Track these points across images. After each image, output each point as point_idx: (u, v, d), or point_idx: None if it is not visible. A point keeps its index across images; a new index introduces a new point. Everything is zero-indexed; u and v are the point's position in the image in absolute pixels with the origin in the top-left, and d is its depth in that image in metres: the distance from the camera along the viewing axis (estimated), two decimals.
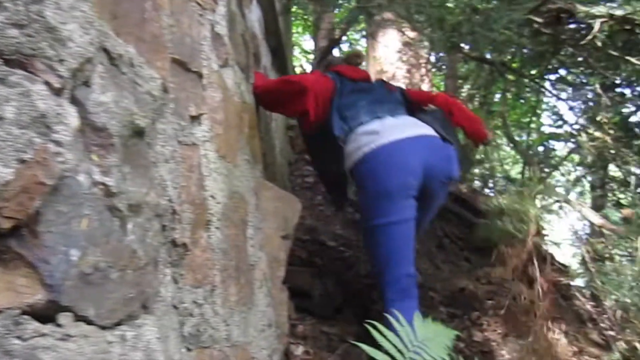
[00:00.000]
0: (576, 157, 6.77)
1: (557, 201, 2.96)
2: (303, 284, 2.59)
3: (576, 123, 4.60)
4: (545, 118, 9.01)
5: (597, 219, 2.40)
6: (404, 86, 2.81)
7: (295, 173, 4.00)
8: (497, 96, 7.14)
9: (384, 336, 1.45)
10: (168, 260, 0.98)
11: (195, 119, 1.26)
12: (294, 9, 5.42)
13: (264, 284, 1.86)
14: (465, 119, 2.56)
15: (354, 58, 2.78)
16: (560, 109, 7.06)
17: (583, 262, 6.41)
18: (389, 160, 2.16)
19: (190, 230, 1.10)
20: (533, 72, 4.63)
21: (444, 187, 2.35)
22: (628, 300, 2.52)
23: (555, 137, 6.03)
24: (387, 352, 1.42)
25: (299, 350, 2.25)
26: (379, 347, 1.45)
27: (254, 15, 3.00)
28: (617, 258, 2.66)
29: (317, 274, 2.74)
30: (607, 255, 2.91)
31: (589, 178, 6.61)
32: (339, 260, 2.98)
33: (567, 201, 2.57)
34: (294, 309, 2.54)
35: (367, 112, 2.35)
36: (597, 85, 3.79)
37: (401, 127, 2.25)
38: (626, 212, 2.40)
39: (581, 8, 3.24)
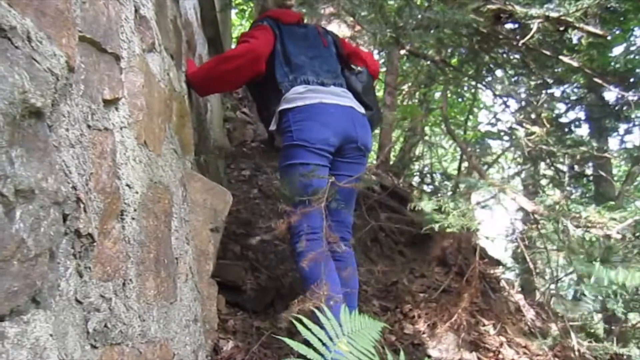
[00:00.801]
0: (510, 156, 7.01)
1: (493, 194, 3.02)
2: (235, 278, 2.54)
3: (511, 121, 4.74)
4: (483, 117, 9.30)
5: (530, 205, 2.48)
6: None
7: (232, 166, 3.93)
8: (437, 94, 7.30)
9: (310, 330, 1.43)
10: (71, 251, 0.91)
11: (110, 102, 1.18)
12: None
13: (190, 278, 1.80)
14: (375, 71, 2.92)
15: (286, 3, 2.85)
16: (496, 108, 7.28)
17: (515, 255, 6.66)
18: (319, 117, 2.38)
19: (99, 220, 1.03)
20: (471, 70, 4.73)
21: (359, 154, 2.52)
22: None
23: (491, 134, 6.21)
24: (312, 346, 1.40)
25: (228, 345, 2.20)
26: (306, 341, 1.43)
27: (189, 2, 2.91)
28: (548, 246, 2.75)
29: (249, 268, 2.69)
30: (539, 245, 3.01)
31: (522, 175, 6.87)
32: (272, 254, 2.94)
33: (503, 190, 2.63)
34: (224, 304, 2.49)
35: (312, 71, 2.53)
36: (531, 84, 3.91)
37: (337, 96, 2.47)
38: (556, 197, 2.50)
39: (520, 9, 3.33)
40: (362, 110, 2.56)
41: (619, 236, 2.15)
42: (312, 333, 1.44)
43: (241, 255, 2.84)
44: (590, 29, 3.11)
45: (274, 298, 2.62)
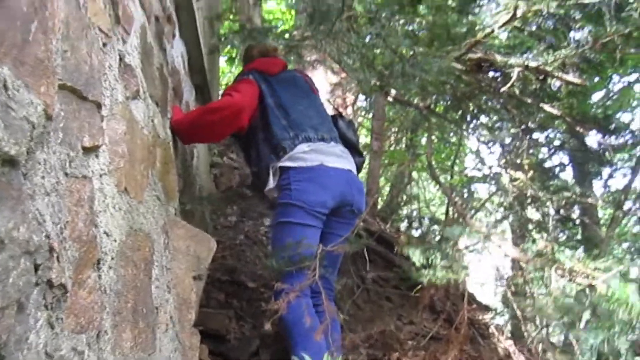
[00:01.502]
0: (497, 200, 7.05)
1: (478, 241, 3.02)
2: (219, 327, 2.48)
3: (496, 166, 4.79)
4: (469, 161, 9.41)
5: (515, 252, 2.48)
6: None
7: (218, 212, 3.91)
8: (424, 139, 7.39)
9: None
10: (42, 302, 0.88)
11: (89, 150, 1.18)
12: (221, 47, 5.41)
13: (171, 328, 1.76)
14: None
15: (271, 51, 2.90)
16: (482, 152, 7.37)
17: (505, 300, 6.60)
18: (319, 179, 2.40)
19: (73, 269, 1.01)
20: (456, 116, 4.81)
21: (352, 216, 2.56)
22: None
23: (477, 179, 6.25)
24: None
25: None
26: None
27: (177, 50, 2.96)
28: (535, 291, 2.73)
29: (234, 316, 2.64)
30: (526, 291, 2.99)
31: (510, 219, 6.89)
32: (258, 301, 2.89)
33: (488, 238, 2.63)
34: (208, 354, 2.42)
35: (311, 127, 2.54)
36: (514, 130, 3.98)
37: (338, 157, 2.52)
38: (541, 245, 2.50)
39: (500, 58, 3.42)
40: (355, 171, 2.62)
41: (604, 286, 2.14)
42: None
43: (225, 303, 2.78)
44: (569, 78, 3.20)
45: (259, 347, 2.56)
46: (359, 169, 2.72)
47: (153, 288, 1.61)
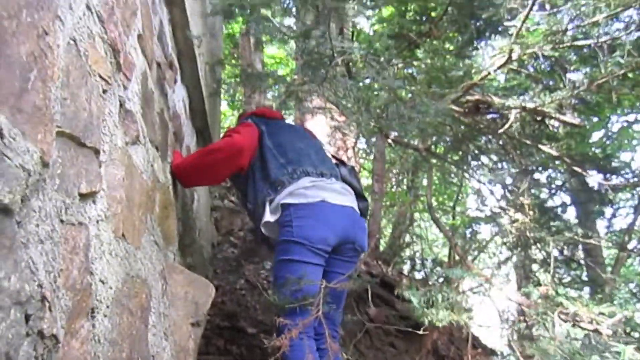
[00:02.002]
0: (499, 240, 7.00)
1: (480, 284, 2.98)
2: None
3: (497, 207, 4.77)
4: (471, 202, 9.39)
5: (517, 297, 2.44)
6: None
7: (219, 255, 3.87)
8: (424, 181, 7.40)
9: None
10: (32, 354, 0.86)
11: (86, 196, 1.17)
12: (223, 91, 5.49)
13: None
14: None
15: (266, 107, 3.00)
16: (483, 193, 7.36)
17: (510, 344, 6.45)
18: (321, 216, 2.38)
19: (66, 319, 0.99)
20: (455, 157, 4.83)
21: (354, 254, 2.54)
22: None
23: (479, 220, 6.23)
24: None
25: None
26: None
27: (178, 95, 2.99)
28: (539, 334, 2.67)
29: None
30: (530, 335, 2.93)
31: (513, 260, 6.82)
32: (258, 348, 2.82)
33: (490, 282, 2.59)
34: None
35: (310, 163, 2.54)
36: (514, 170, 3.99)
37: (339, 194, 2.48)
38: (543, 289, 2.46)
39: (497, 100, 3.46)
40: (357, 209, 2.58)
41: (610, 332, 2.09)
42: None
43: (225, 350, 2.72)
44: (567, 119, 3.22)
45: None
46: (363, 214, 2.68)
47: (150, 336, 1.57)
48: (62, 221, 1.03)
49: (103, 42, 1.42)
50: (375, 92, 4.10)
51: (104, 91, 1.39)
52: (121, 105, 1.58)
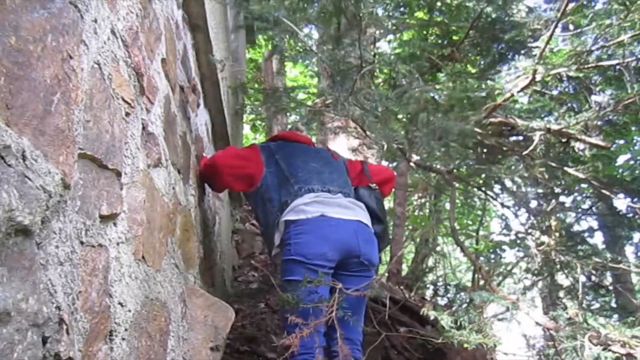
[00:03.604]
0: (524, 266, 6.86)
1: (507, 307, 2.91)
2: None
3: (523, 230, 4.69)
4: (495, 226, 9.25)
5: (544, 320, 2.36)
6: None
7: (240, 279, 3.86)
8: (447, 204, 7.32)
9: None
10: None
11: (107, 218, 1.18)
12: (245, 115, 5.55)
13: None
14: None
15: (297, 129, 3.00)
16: (507, 217, 7.25)
17: None
18: (318, 231, 2.34)
19: (84, 342, 0.98)
20: (479, 180, 4.78)
21: (363, 269, 2.43)
22: None
23: (503, 244, 6.12)
24: None
25: None
26: None
27: (201, 119, 3.03)
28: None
29: None
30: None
31: (539, 285, 6.66)
32: None
33: (516, 306, 2.52)
34: None
35: (319, 180, 2.53)
36: (539, 191, 3.92)
37: (343, 207, 2.44)
38: (572, 312, 2.38)
39: (521, 122, 3.43)
40: (368, 223, 2.51)
41: None
42: None
43: None
44: (593, 140, 3.17)
45: None
46: (381, 237, 2.62)
47: (168, 359, 1.56)
48: (82, 243, 1.03)
49: (127, 65, 1.44)
50: (404, 102, 4.07)
51: (127, 114, 1.40)
52: (144, 128, 1.60)
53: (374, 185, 2.82)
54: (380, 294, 2.63)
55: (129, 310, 1.23)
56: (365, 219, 2.51)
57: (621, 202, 5.02)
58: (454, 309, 3.35)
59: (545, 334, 3.32)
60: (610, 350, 2.06)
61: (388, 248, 5.71)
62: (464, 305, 4.67)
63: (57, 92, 0.97)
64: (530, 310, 2.45)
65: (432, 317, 2.35)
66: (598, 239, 6.56)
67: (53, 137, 0.94)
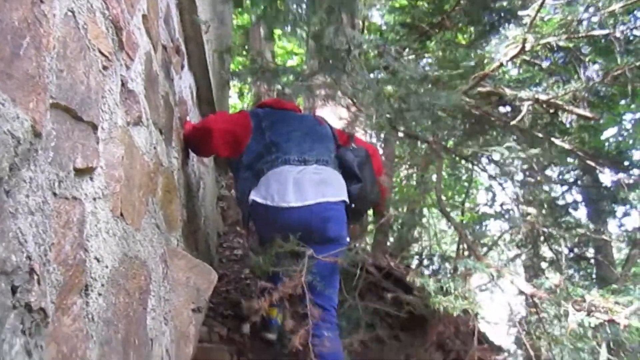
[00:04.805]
0: (509, 238, 6.93)
1: (490, 275, 2.92)
2: None
3: (509, 201, 4.71)
4: (481, 198, 9.30)
5: (527, 287, 2.39)
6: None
7: (225, 245, 3.85)
8: (434, 177, 7.33)
9: None
10: (19, 327, 0.83)
11: (82, 172, 1.15)
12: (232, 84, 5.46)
13: None
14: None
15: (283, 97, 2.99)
16: (493, 186, 7.29)
17: (518, 342, 6.38)
18: (276, 224, 2.40)
19: (57, 294, 0.96)
20: (467, 152, 4.76)
21: (329, 243, 2.44)
22: None
23: (488, 216, 6.16)
24: None
25: None
26: None
27: (185, 81, 2.97)
28: (549, 327, 2.61)
29: (235, 352, 2.55)
30: (540, 328, 2.87)
31: (522, 258, 6.74)
32: (261, 338, 2.80)
33: (500, 273, 2.54)
34: None
35: (298, 150, 2.54)
36: (525, 166, 3.92)
37: (309, 186, 2.45)
38: (555, 280, 2.41)
39: (509, 92, 3.40)
40: (332, 197, 2.50)
41: (627, 322, 2.03)
42: None
43: (227, 339, 2.70)
44: (580, 111, 3.15)
45: None
46: (358, 197, 2.62)
47: (148, 319, 1.55)
48: (55, 194, 1.00)
49: (104, 17, 1.39)
50: (395, 87, 4.04)
51: (104, 67, 1.36)
52: (123, 84, 1.56)
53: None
54: (354, 259, 2.63)
55: (106, 266, 1.21)
56: (330, 194, 2.50)
57: (606, 177, 5.07)
58: (439, 276, 3.38)
59: (528, 302, 3.36)
60: (593, 316, 2.08)
61: (374, 220, 5.72)
62: (449, 275, 4.71)
63: (27, 36, 0.93)
64: (513, 278, 2.47)
65: (417, 284, 2.36)
66: (582, 213, 6.64)
67: (22, 82, 0.90)
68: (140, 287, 1.47)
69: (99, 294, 1.16)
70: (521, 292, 2.90)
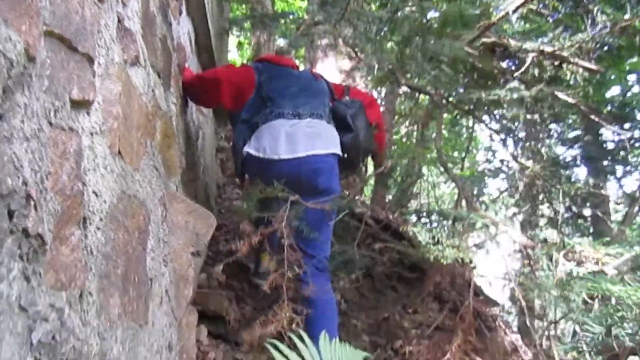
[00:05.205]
0: (507, 198, 6.96)
1: (486, 226, 2.93)
2: (218, 308, 2.43)
3: (509, 156, 4.69)
4: (481, 157, 9.29)
5: (522, 239, 2.40)
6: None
7: (223, 196, 3.86)
8: (435, 135, 7.29)
9: (286, 357, 1.33)
10: (17, 252, 0.83)
11: (79, 104, 1.12)
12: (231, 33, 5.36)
13: (166, 302, 1.71)
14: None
15: (282, 52, 2.97)
16: (493, 146, 7.28)
17: (512, 298, 6.47)
18: (269, 175, 2.42)
19: (55, 223, 0.96)
20: (469, 106, 4.71)
21: (320, 196, 2.48)
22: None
23: (487, 175, 6.16)
24: None
25: None
26: None
27: (183, 27, 2.91)
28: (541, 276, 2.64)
29: (234, 298, 2.58)
30: (533, 279, 2.91)
31: (520, 218, 6.78)
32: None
33: (495, 224, 2.55)
34: (206, 335, 2.37)
35: (292, 105, 2.56)
36: (528, 117, 3.87)
37: (302, 138, 2.47)
38: (549, 232, 2.43)
39: (514, 43, 3.34)
40: (323, 150, 2.52)
41: (615, 272, 2.05)
42: None
43: (227, 285, 2.73)
44: (585, 64, 3.10)
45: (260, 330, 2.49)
46: (347, 147, 2.64)
47: (148, 259, 1.55)
48: (50, 123, 0.98)
49: None
50: (398, 23, 3.94)
51: (100, 1, 1.32)
52: (119, 21, 1.52)
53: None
54: (346, 207, 2.65)
55: (104, 201, 1.20)
56: (321, 146, 2.53)
57: (608, 134, 5.03)
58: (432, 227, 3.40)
59: (523, 255, 3.39)
60: (583, 266, 2.10)
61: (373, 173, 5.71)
62: (446, 230, 4.74)
63: None
64: (509, 229, 2.48)
65: (410, 233, 2.37)
66: (582, 172, 6.64)
67: (14, 3, 0.87)
68: (139, 227, 1.47)
69: (98, 228, 1.15)
70: (519, 252, 2.92)
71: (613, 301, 1.84)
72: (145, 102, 1.72)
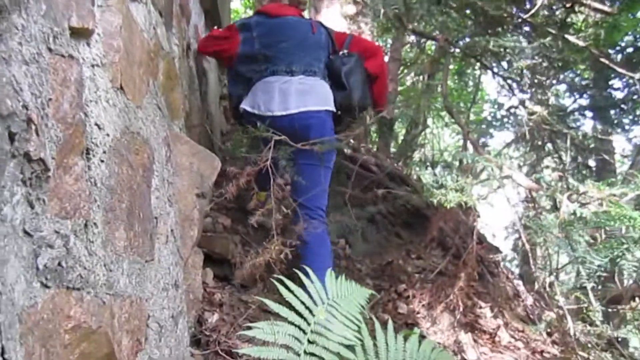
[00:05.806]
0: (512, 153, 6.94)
1: (490, 169, 2.91)
2: (223, 251, 2.45)
3: (515, 106, 4.63)
4: (487, 109, 9.20)
5: (527, 181, 2.40)
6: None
7: (227, 143, 3.84)
8: (439, 88, 7.20)
9: (292, 292, 1.35)
10: (19, 177, 0.82)
11: (78, 33, 1.09)
12: None
13: (171, 242, 1.72)
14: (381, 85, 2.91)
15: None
16: (499, 99, 7.19)
17: (515, 248, 6.53)
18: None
19: (57, 151, 0.94)
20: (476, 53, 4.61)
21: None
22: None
23: (493, 126, 6.12)
24: (294, 308, 1.32)
25: (213, 317, 2.12)
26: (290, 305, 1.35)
27: None
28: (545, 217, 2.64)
29: (239, 241, 2.61)
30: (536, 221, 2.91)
31: (525, 170, 6.78)
32: (263, 228, 2.85)
33: (499, 166, 2.54)
34: (212, 278, 2.41)
35: (286, 61, 2.64)
36: (536, 60, 3.78)
37: (294, 96, 2.58)
38: (554, 174, 2.41)
39: None
40: (315, 107, 2.60)
41: (619, 211, 2.04)
42: (295, 296, 1.36)
43: (231, 229, 2.75)
44: (598, 5, 3.00)
45: (264, 273, 2.53)
46: (340, 105, 2.72)
47: (153, 198, 1.55)
48: (50, 50, 0.96)
49: None
50: None
51: None
52: None
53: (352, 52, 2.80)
54: (338, 147, 2.69)
55: (107, 135, 1.19)
56: (313, 103, 2.61)
57: (618, 84, 4.94)
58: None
59: (527, 197, 3.38)
60: (587, 207, 2.10)
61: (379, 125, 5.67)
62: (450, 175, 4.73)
63: None
64: (513, 172, 2.46)
65: (415, 178, 2.37)
66: (588, 126, 6.57)
67: None
68: (143, 164, 1.46)
69: (102, 161, 1.14)
70: (523, 202, 2.91)
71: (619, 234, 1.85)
72: (147, 39, 1.68)
